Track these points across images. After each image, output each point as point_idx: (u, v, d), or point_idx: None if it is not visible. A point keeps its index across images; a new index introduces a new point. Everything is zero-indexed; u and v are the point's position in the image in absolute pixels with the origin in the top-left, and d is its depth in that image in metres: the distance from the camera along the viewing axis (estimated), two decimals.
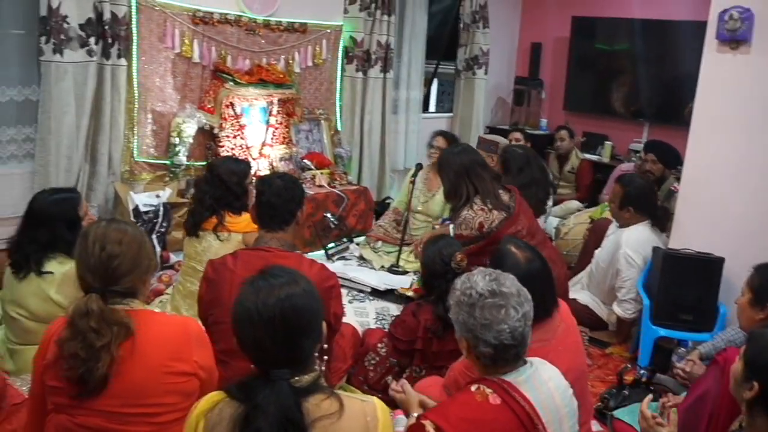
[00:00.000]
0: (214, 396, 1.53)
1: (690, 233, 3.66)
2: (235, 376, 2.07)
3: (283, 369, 1.47)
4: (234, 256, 2.53)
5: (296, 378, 1.49)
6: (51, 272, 2.65)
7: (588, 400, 2.40)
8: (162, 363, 1.76)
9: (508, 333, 1.72)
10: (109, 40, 4.13)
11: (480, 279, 1.80)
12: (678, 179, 4.80)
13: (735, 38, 3.37)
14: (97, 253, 1.77)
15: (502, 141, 5.74)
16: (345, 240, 5.04)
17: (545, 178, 4.73)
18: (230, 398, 1.49)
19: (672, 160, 4.99)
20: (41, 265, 2.65)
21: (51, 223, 2.70)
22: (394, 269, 4.59)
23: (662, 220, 3.87)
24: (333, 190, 5.11)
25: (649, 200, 3.94)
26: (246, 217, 3.25)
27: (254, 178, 3.53)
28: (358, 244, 5.05)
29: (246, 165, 3.49)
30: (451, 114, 7.21)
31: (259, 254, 2.52)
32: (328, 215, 4.86)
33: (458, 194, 3.50)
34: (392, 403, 2.26)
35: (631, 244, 3.74)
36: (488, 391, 1.73)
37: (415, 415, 2.19)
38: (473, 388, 1.76)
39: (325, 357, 1.85)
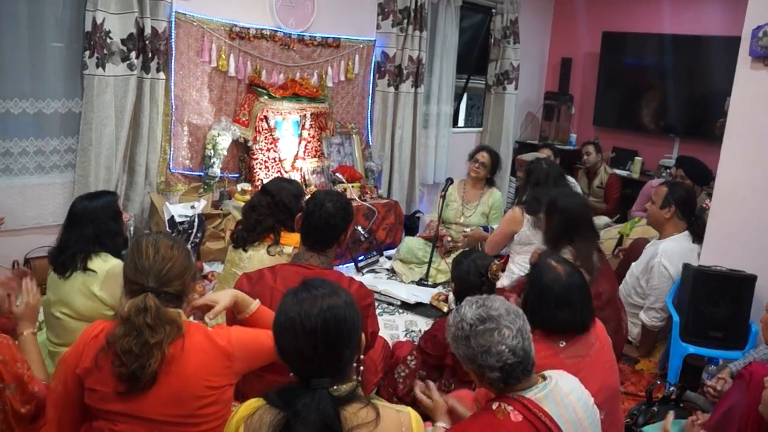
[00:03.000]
0: (253, 402, 1.58)
1: (722, 250, 3.63)
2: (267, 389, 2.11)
3: (324, 378, 1.52)
4: (272, 270, 2.52)
5: (335, 387, 1.54)
6: (94, 271, 2.71)
7: (619, 419, 2.39)
8: (203, 377, 1.81)
9: (508, 352, 1.74)
10: (149, 55, 4.25)
11: (468, 310, 1.82)
12: (709, 195, 4.79)
13: None
14: (151, 255, 1.85)
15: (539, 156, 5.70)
16: (374, 253, 5.09)
17: None
18: (269, 405, 1.54)
19: (702, 176, 4.97)
20: (86, 262, 2.72)
21: (95, 219, 2.77)
22: (424, 282, 4.63)
23: (699, 230, 3.85)
24: (363, 203, 5.18)
25: (692, 204, 3.93)
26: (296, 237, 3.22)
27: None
28: (388, 258, 5.10)
29: (299, 184, 3.50)
30: (480, 129, 7.25)
31: (298, 270, 2.49)
32: (359, 228, 4.92)
33: (554, 239, 3.44)
34: (425, 416, 2.27)
35: (668, 254, 3.73)
36: (509, 408, 1.74)
37: (441, 425, 2.21)
38: (494, 406, 1.77)
39: (361, 367, 1.89)
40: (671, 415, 2.62)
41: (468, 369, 1.85)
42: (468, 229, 4.84)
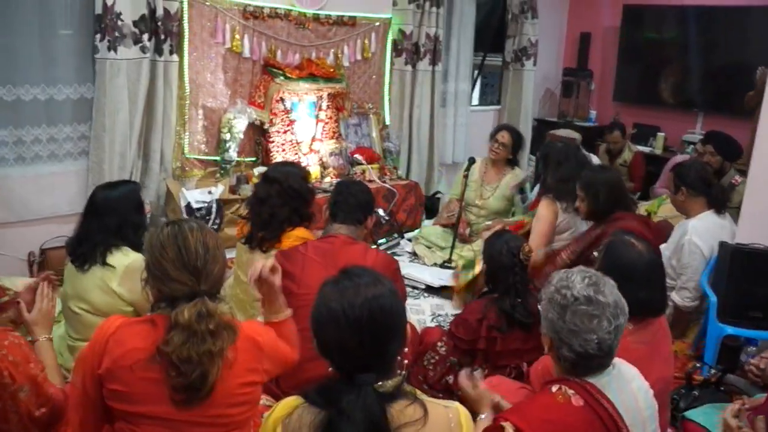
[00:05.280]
0: (290, 401, 1.49)
1: (759, 227, 3.51)
2: (301, 360, 2.01)
3: (369, 373, 1.43)
4: (304, 244, 2.70)
5: (380, 383, 1.44)
6: (113, 266, 2.62)
7: (666, 411, 2.32)
8: (239, 374, 1.72)
9: (595, 344, 1.65)
10: (162, 37, 4.15)
11: (578, 280, 1.72)
12: (739, 171, 4.66)
13: None
14: (202, 254, 1.72)
15: (576, 136, 5.49)
16: (395, 236, 4.99)
17: None
18: (309, 404, 1.45)
19: (732, 151, 4.82)
20: (106, 255, 2.63)
21: (118, 210, 2.68)
22: (447, 265, 4.53)
23: (719, 200, 3.72)
24: (383, 185, 5.07)
25: (702, 179, 3.78)
26: (298, 231, 3.05)
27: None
28: (409, 240, 5.00)
29: (300, 165, 3.48)
30: (498, 106, 7.11)
31: (328, 239, 2.71)
32: (379, 210, 4.81)
33: (602, 215, 3.49)
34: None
35: (698, 231, 3.60)
36: (570, 392, 1.67)
37: (483, 416, 2.12)
38: (554, 388, 1.70)
39: (405, 361, 1.80)
40: (733, 407, 2.51)
41: (545, 334, 1.77)
42: (489, 223, 4.70)
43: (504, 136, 4.73)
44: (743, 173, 4.37)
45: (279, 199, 3.00)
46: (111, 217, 2.66)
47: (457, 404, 1.54)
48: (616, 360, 1.80)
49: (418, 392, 1.50)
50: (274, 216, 3.00)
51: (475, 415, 2.13)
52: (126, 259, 2.65)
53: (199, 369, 1.63)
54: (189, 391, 1.64)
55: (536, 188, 4.74)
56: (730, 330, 3.38)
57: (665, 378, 2.14)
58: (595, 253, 2.70)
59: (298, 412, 1.45)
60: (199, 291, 1.70)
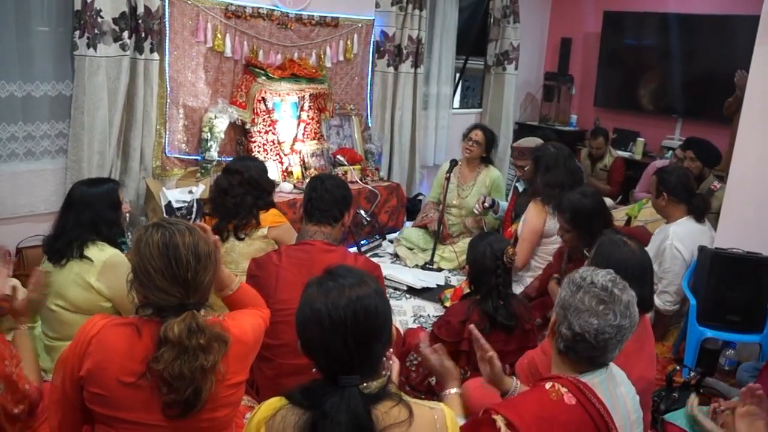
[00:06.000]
0: (274, 402, 1.46)
1: (738, 232, 3.56)
2: (280, 374, 2.00)
3: (353, 374, 1.41)
4: (278, 252, 2.57)
5: (365, 384, 1.42)
6: (91, 260, 2.62)
7: (647, 413, 2.32)
8: (223, 376, 1.69)
9: (593, 329, 1.66)
10: (143, 34, 4.09)
11: (603, 273, 1.75)
12: (717, 177, 4.70)
13: None
14: (193, 266, 1.66)
15: (536, 141, 5.48)
16: (377, 237, 4.98)
17: (574, 181, 4.51)
18: (293, 405, 1.42)
19: (711, 158, 4.87)
20: (83, 249, 2.63)
21: (93, 206, 2.69)
22: (428, 267, 4.52)
23: (699, 209, 3.75)
24: (366, 186, 5.05)
25: (684, 186, 3.81)
26: (272, 211, 3.26)
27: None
28: (390, 241, 4.99)
29: (260, 159, 3.54)
30: (480, 109, 7.12)
31: (303, 248, 2.56)
32: (361, 212, 4.81)
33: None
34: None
35: (679, 236, 3.63)
36: (563, 390, 1.66)
37: (453, 391, 2.16)
38: (547, 385, 1.69)
39: (390, 362, 1.78)
40: (695, 399, 2.55)
41: (554, 311, 1.78)
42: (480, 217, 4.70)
43: (477, 134, 4.80)
44: (722, 179, 4.42)
45: (241, 188, 3.14)
46: (86, 213, 2.67)
47: (442, 405, 1.52)
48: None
49: (403, 394, 1.49)
50: (239, 205, 3.12)
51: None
52: (103, 254, 2.65)
53: (193, 385, 1.60)
54: (182, 407, 1.61)
55: (509, 195, 4.78)
56: (710, 333, 3.42)
57: (647, 378, 2.15)
58: (586, 252, 2.72)
59: (281, 413, 1.42)
60: (188, 304, 1.66)
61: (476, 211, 4.65)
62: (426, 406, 1.49)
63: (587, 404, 1.64)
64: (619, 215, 4.86)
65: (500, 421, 1.61)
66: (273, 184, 3.39)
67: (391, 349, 1.71)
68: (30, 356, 2.15)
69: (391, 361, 1.78)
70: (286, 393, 1.46)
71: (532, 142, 4.76)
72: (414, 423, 1.41)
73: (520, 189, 4.72)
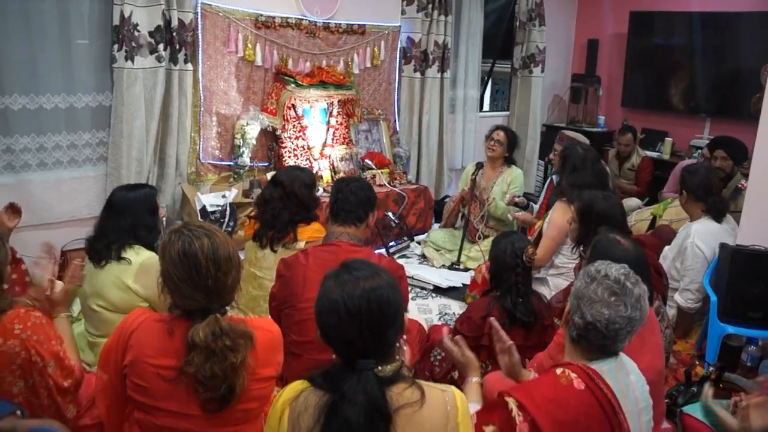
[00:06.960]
0: (297, 385, 1.58)
1: (759, 229, 3.56)
2: (309, 368, 2.12)
3: (369, 359, 1.51)
4: (305, 252, 2.63)
5: (380, 368, 1.53)
6: (128, 261, 2.72)
7: (661, 403, 2.38)
8: (252, 370, 1.81)
9: (604, 319, 1.74)
10: (177, 46, 4.28)
11: (616, 267, 1.83)
12: (745, 176, 4.69)
13: None
14: (213, 273, 1.77)
15: (584, 138, 5.41)
16: (405, 238, 5.09)
17: (600, 184, 4.51)
18: (314, 387, 1.54)
19: (741, 154, 4.86)
20: (121, 252, 2.73)
21: (132, 210, 2.78)
22: (456, 267, 4.61)
23: (716, 209, 3.77)
24: (393, 189, 5.17)
25: (704, 186, 3.82)
26: (313, 225, 3.22)
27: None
28: (418, 243, 5.09)
29: (311, 172, 3.44)
30: (507, 112, 7.18)
31: (329, 249, 2.62)
32: (389, 214, 4.91)
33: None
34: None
35: (700, 234, 3.67)
36: (573, 375, 1.74)
37: (474, 379, 2.25)
38: (558, 371, 1.77)
39: (404, 347, 1.89)
40: (710, 389, 2.60)
41: (569, 302, 1.87)
42: (517, 212, 4.76)
43: (499, 134, 4.91)
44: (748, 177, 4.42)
45: (280, 203, 3.14)
46: (126, 217, 2.76)
47: (453, 388, 1.62)
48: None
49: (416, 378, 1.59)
50: (276, 218, 3.14)
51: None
52: (139, 257, 2.74)
53: (227, 383, 1.73)
54: (219, 401, 1.75)
55: (545, 186, 4.85)
56: (731, 329, 3.44)
57: (655, 367, 2.20)
58: (582, 252, 2.77)
59: (304, 395, 1.53)
60: (212, 307, 1.79)
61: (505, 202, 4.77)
62: (437, 388, 1.59)
63: (595, 389, 1.72)
64: (645, 215, 4.90)
65: (512, 403, 1.71)
66: (317, 200, 3.35)
67: (405, 336, 1.82)
68: (70, 340, 2.31)
69: (405, 347, 1.89)
70: (308, 376, 1.58)
71: (580, 136, 4.86)
72: (426, 403, 1.51)
73: (556, 182, 4.77)
